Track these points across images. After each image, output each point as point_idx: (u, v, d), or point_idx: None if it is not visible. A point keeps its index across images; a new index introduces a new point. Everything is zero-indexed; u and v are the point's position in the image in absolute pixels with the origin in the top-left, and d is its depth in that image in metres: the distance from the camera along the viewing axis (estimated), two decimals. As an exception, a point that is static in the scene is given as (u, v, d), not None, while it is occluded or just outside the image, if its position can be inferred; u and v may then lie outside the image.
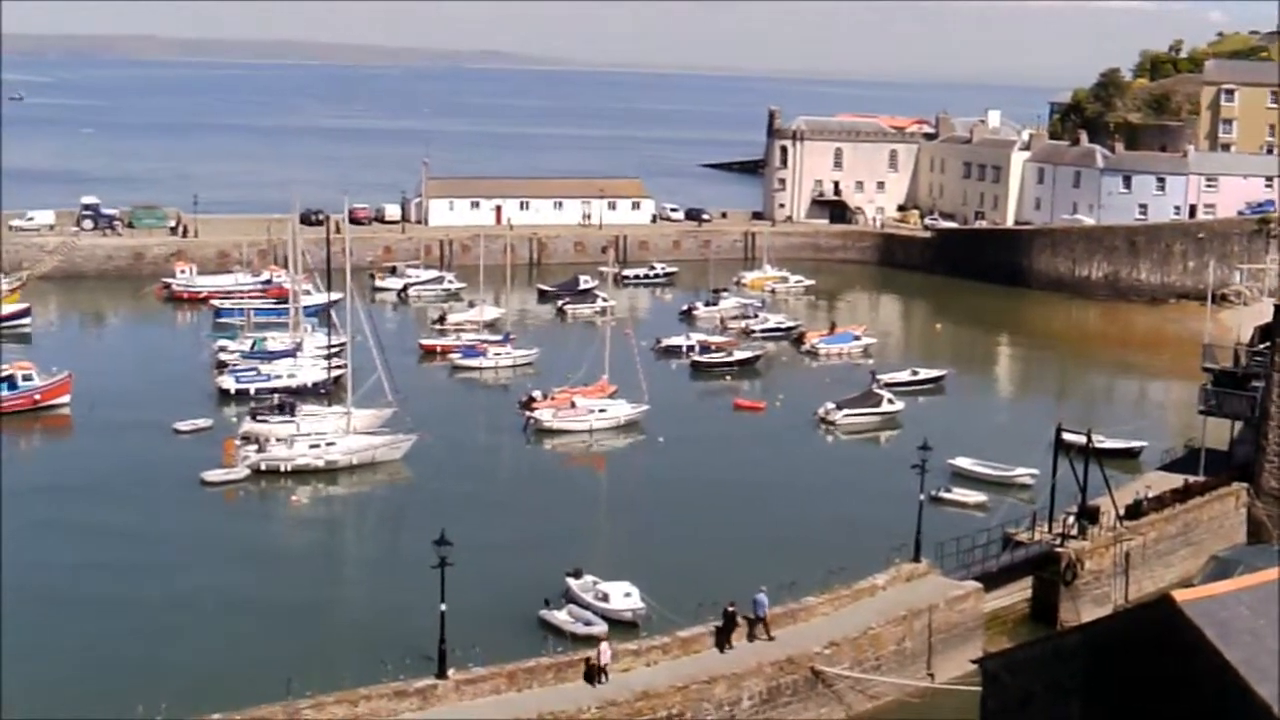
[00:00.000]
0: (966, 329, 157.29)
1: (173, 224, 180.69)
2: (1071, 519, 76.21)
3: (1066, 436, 76.56)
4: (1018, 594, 74.46)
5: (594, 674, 58.56)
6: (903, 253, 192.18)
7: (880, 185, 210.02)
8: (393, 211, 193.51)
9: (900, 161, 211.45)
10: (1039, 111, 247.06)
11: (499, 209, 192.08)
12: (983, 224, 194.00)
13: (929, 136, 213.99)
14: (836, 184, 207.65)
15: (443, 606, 56.98)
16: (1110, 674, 39.69)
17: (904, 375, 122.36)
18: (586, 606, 70.13)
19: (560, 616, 69.31)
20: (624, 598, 70.14)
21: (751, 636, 63.13)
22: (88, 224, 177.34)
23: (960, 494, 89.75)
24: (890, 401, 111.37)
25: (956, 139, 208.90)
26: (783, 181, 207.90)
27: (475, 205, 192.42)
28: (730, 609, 62.65)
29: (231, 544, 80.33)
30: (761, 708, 60.47)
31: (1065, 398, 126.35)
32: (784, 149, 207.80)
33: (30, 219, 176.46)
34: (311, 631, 67.69)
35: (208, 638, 66.64)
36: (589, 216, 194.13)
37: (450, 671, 57.21)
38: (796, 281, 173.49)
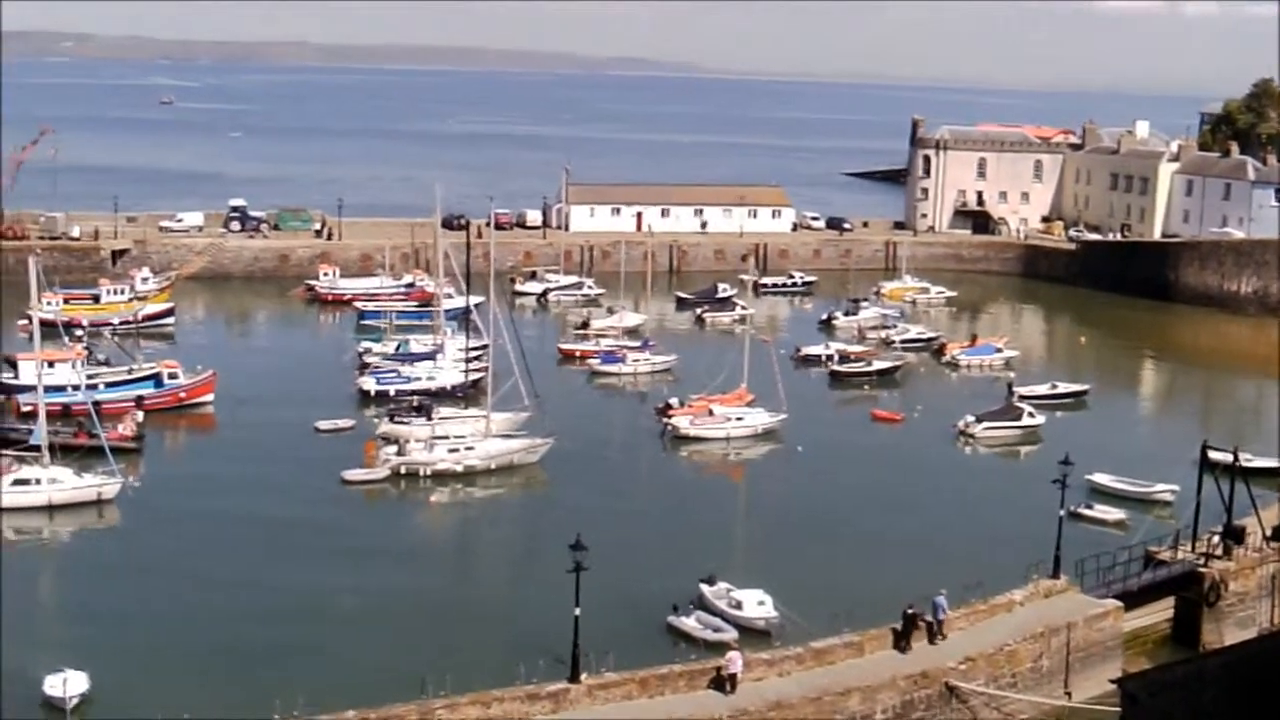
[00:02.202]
0: (1110, 343, 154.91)
1: (317, 227, 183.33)
2: (1216, 538, 74.75)
3: (1212, 454, 75.17)
4: (1159, 614, 73.13)
5: (724, 683, 58.45)
6: (1046, 265, 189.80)
7: (1024, 196, 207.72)
8: (534, 217, 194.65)
9: (1045, 172, 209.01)
10: (1189, 122, 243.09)
11: (639, 215, 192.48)
12: (1121, 236, 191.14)
13: (1075, 147, 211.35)
14: (980, 194, 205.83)
15: (576, 611, 57.20)
16: (1254, 700, 38.88)
17: (1044, 389, 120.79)
18: (719, 613, 69.96)
19: (688, 623, 69.20)
20: (757, 605, 69.96)
21: (930, 639, 63.25)
22: (235, 226, 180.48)
23: (1099, 510, 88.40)
24: (1030, 415, 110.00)
25: (1103, 150, 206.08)
26: (925, 191, 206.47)
27: (616, 211, 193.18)
28: (910, 610, 62.85)
29: (370, 544, 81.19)
30: (895, 721, 60.07)
31: (1211, 415, 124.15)
32: (927, 158, 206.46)
33: (179, 220, 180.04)
34: (447, 632, 68.17)
35: (345, 636, 67.35)
36: (705, 225, 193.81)
37: (583, 676, 57.41)
38: (938, 292, 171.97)
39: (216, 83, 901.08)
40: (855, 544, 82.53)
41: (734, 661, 58.56)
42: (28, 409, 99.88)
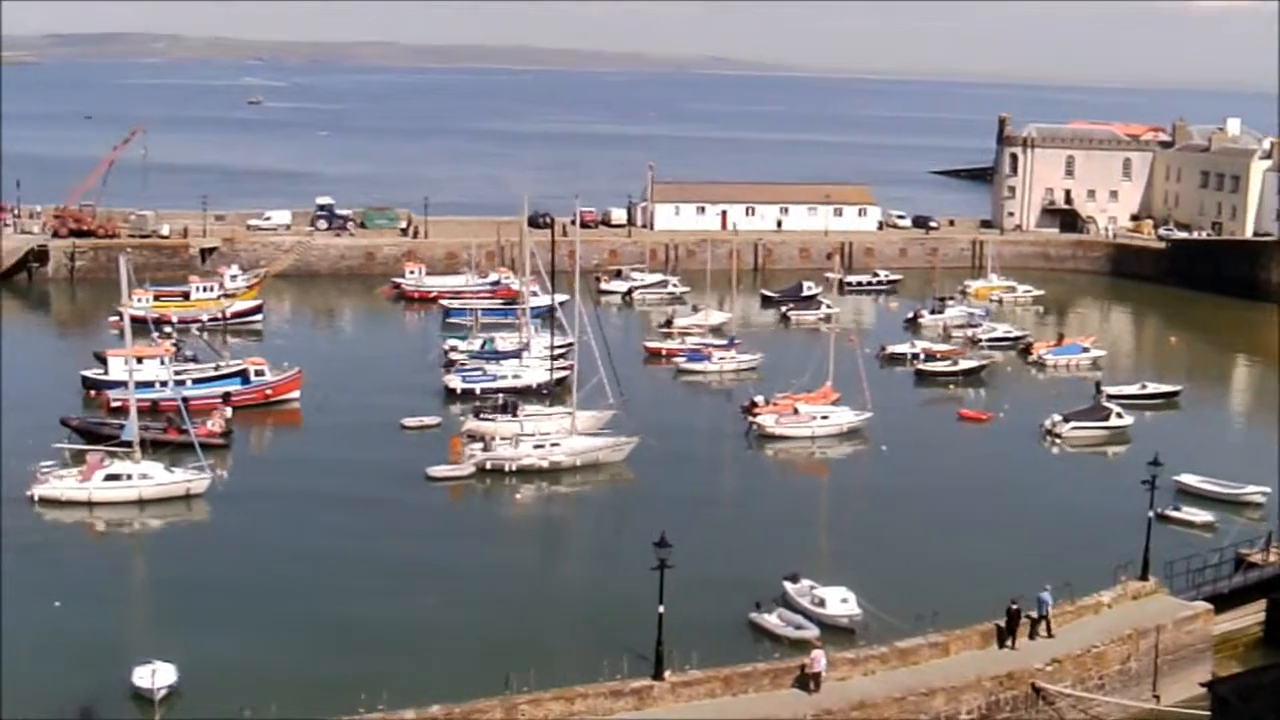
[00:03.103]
0: (1201, 343, 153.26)
1: (403, 225, 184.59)
2: (1310, 541, 73.81)
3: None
4: (1250, 617, 72.19)
5: (807, 682, 58.28)
6: (1135, 264, 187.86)
7: (1113, 194, 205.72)
8: (619, 215, 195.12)
9: (1134, 170, 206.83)
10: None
11: (724, 214, 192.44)
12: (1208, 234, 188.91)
13: (1165, 144, 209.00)
14: (1068, 192, 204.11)
15: (660, 608, 57.21)
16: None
17: (1133, 389, 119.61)
18: (802, 611, 69.77)
19: (770, 620, 69.04)
20: (840, 603, 69.70)
21: (1034, 634, 63.18)
22: (322, 224, 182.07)
23: (1187, 512, 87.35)
24: (1119, 415, 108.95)
25: (1193, 147, 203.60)
26: (1012, 189, 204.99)
27: (701, 210, 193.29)
28: (1014, 606, 62.71)
29: (455, 540, 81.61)
30: (980, 722, 59.66)
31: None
32: (1014, 156, 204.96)
33: (267, 219, 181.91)
34: (531, 628, 68.32)
35: (430, 631, 67.68)
36: (781, 224, 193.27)
37: (666, 673, 57.39)
38: (1024, 291, 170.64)
39: (305, 83, 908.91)
40: (940, 544, 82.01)
41: (818, 660, 58.33)
42: (117, 404, 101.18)
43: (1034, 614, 63.36)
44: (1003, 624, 62.88)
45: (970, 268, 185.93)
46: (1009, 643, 62.56)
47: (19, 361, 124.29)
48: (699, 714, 56.24)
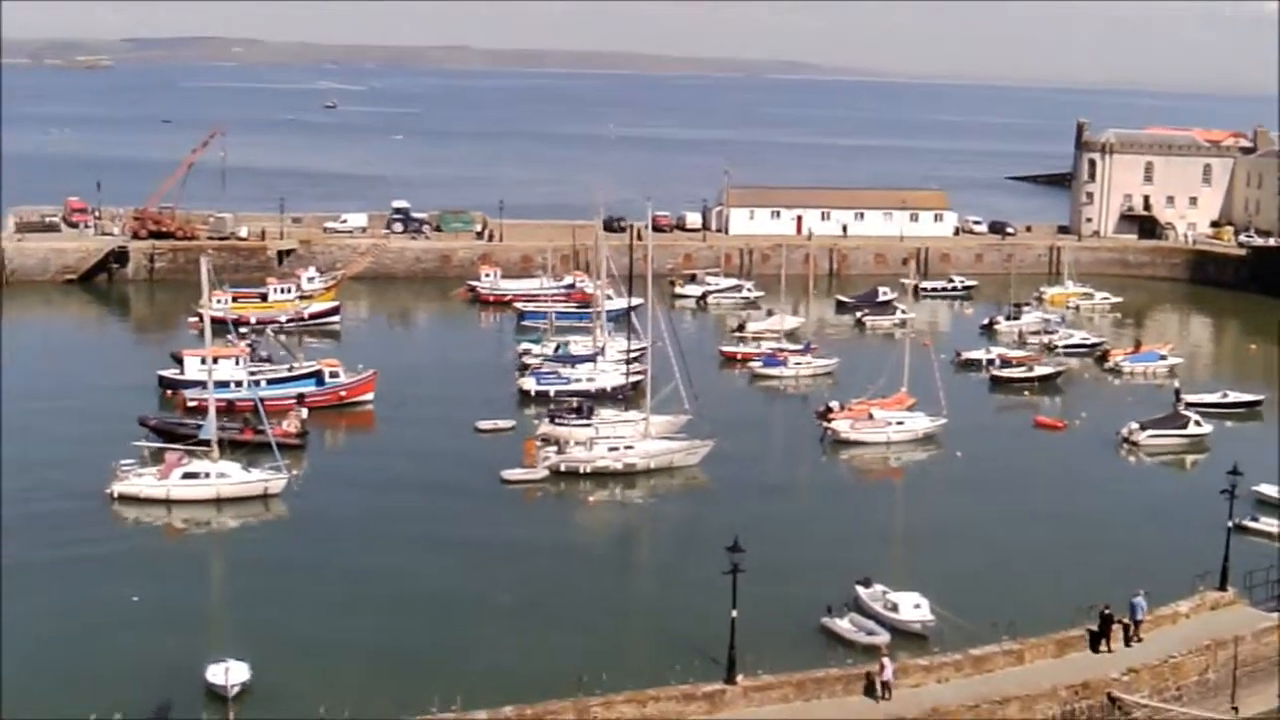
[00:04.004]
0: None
1: (479, 228, 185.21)
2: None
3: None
4: (1331, 629, 71.36)
5: (875, 689, 58.06)
6: (1215, 270, 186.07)
7: (1192, 200, 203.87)
8: (694, 220, 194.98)
9: (1214, 176, 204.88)
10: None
11: (799, 219, 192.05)
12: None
13: (1246, 150, 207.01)
14: (1146, 198, 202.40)
15: (733, 612, 57.18)
16: None
17: (1214, 397, 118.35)
18: (874, 616, 69.49)
19: (842, 625, 68.79)
20: (913, 609, 69.34)
21: (1127, 640, 63.14)
22: (398, 227, 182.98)
23: (1265, 523, 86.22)
24: (1197, 423, 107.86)
25: (1275, 153, 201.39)
26: (1090, 195, 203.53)
27: (776, 215, 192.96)
28: (1107, 611, 62.71)
29: (529, 542, 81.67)
30: (1055, 732, 59.20)
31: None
32: (1092, 162, 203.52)
33: (344, 221, 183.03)
34: (603, 631, 68.44)
35: (502, 632, 67.86)
36: (846, 228, 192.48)
37: (738, 677, 57.36)
38: (1101, 298, 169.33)
39: (381, 86, 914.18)
40: (1015, 551, 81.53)
41: (887, 668, 58.20)
42: (193, 404, 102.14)
43: (1126, 619, 63.19)
44: (1095, 629, 62.72)
45: (1047, 274, 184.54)
46: (1102, 647, 62.41)
47: (99, 361, 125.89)
48: (771, 719, 56.14)
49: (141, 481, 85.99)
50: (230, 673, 59.27)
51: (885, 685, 57.88)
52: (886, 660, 58.94)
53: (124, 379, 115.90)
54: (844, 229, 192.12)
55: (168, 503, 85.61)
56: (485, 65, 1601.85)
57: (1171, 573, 70.57)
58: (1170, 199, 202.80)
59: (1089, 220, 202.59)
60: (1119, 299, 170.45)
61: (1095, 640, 62.90)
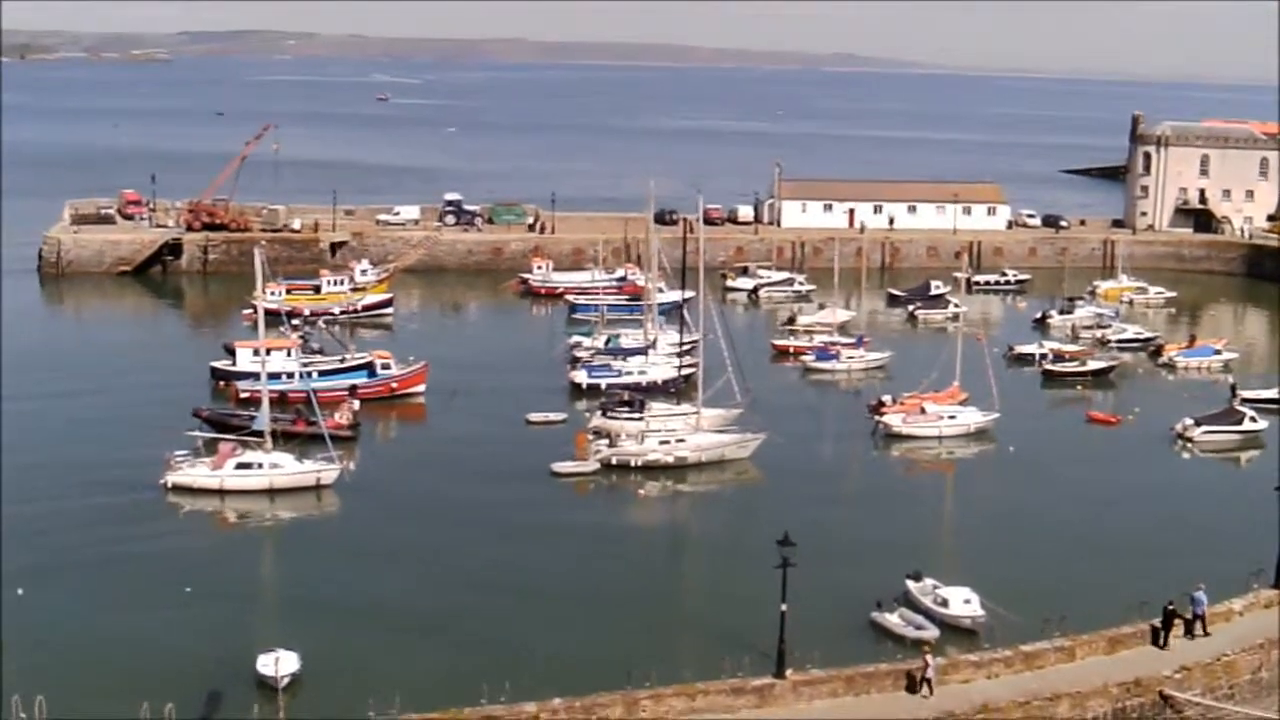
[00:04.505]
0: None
1: (531, 221, 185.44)
2: None
3: None
4: (1386, 627, 70.71)
5: (916, 685, 57.85)
6: (1272, 265, 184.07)
7: (1249, 194, 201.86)
8: (745, 212, 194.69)
9: (1271, 169, 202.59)
10: None
11: (851, 212, 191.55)
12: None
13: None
14: (1202, 192, 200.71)
15: (783, 606, 57.08)
16: None
17: (1272, 393, 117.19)
18: (925, 610, 69.22)
19: (891, 619, 68.52)
20: (963, 604, 69.01)
21: (1190, 634, 62.99)
22: (450, 219, 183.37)
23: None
24: (1253, 419, 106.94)
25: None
26: (1145, 189, 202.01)
27: (828, 208, 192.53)
28: (1170, 606, 62.66)
29: (579, 534, 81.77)
30: (1106, 729, 58.83)
31: None
32: (1147, 155, 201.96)
33: (396, 214, 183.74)
34: (653, 624, 68.38)
35: (552, 624, 67.96)
36: (893, 220, 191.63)
37: (788, 671, 57.27)
38: (1156, 292, 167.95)
39: (434, 79, 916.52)
40: (1067, 546, 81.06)
41: (930, 665, 57.99)
42: (245, 395, 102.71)
43: (1189, 614, 63.12)
44: (1158, 623, 62.61)
45: (1101, 268, 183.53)
46: (1163, 641, 62.35)
47: (152, 352, 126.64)
48: (820, 714, 56.08)
49: (195, 472, 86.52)
50: (280, 663, 59.51)
51: (926, 682, 57.66)
52: (929, 657, 58.76)
53: (177, 370, 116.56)
54: (890, 221, 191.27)
55: (221, 493, 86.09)
56: (540, 58, 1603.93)
57: (1225, 570, 69.95)
58: (1226, 192, 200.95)
59: (1144, 214, 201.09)
60: (1174, 293, 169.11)
61: (1157, 634, 62.67)
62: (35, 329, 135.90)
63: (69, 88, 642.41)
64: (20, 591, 68.44)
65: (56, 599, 68.96)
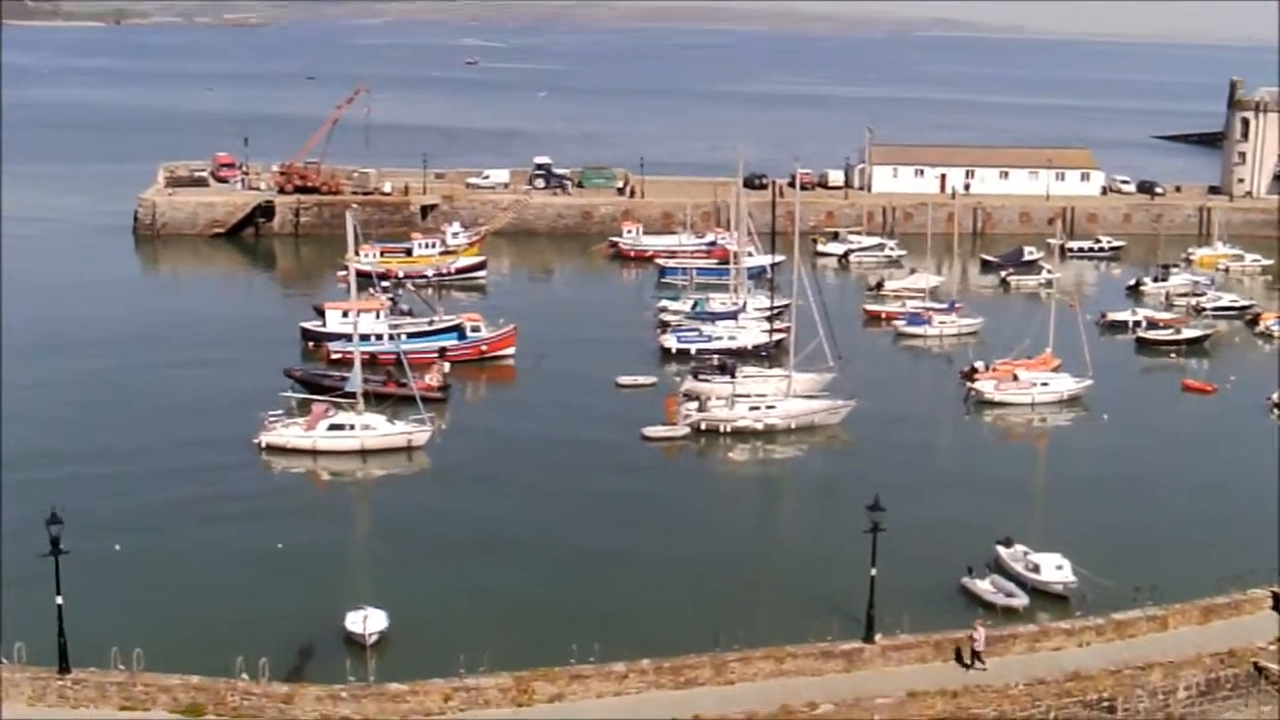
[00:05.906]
0: None
1: (620, 185, 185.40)
2: None
3: None
4: None
5: (965, 657, 57.36)
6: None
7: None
8: (836, 177, 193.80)
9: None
10: None
11: (943, 177, 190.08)
12: None
13: None
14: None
15: (873, 571, 56.93)
16: None
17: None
18: (1015, 576, 68.81)
19: (982, 586, 68.21)
20: (1055, 570, 68.59)
21: None
22: (539, 183, 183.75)
23: None
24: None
25: None
26: (1242, 155, 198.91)
27: (919, 173, 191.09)
28: None
29: (670, 499, 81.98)
30: (1199, 700, 58.20)
31: None
32: (1245, 121, 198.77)
33: (486, 177, 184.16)
34: (742, 587, 68.45)
35: (641, 586, 68.19)
36: (969, 187, 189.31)
37: (877, 636, 57.15)
38: (1252, 260, 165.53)
39: (524, 44, 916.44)
40: (1160, 516, 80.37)
41: (980, 638, 57.44)
42: (337, 356, 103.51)
43: None
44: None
45: (1197, 235, 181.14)
46: None
47: (245, 313, 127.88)
48: (909, 679, 55.95)
49: (289, 432, 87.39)
50: (369, 620, 60.17)
51: (976, 655, 57.13)
52: (980, 628, 58.26)
53: (269, 331, 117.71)
54: (966, 187, 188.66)
55: (314, 453, 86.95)
56: (630, 22, 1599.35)
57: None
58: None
59: (1241, 181, 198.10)
60: (1270, 261, 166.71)
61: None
62: (130, 290, 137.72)
63: (163, 51, 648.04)
64: (118, 547, 69.44)
65: (153, 554, 69.95)
